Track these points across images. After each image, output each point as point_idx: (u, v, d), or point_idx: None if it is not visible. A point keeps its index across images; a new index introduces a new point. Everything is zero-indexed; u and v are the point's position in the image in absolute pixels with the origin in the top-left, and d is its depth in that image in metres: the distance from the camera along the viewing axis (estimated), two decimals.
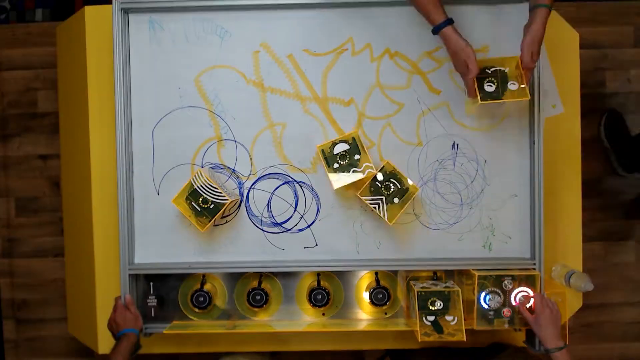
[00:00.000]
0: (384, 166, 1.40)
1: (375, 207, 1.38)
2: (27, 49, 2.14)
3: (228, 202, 1.38)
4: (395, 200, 1.39)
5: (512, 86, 1.30)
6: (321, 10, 1.45)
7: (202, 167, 1.47)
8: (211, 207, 1.39)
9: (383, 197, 1.39)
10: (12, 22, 2.31)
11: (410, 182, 1.40)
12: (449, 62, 1.44)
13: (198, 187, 1.38)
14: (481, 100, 1.29)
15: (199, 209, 1.39)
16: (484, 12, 1.44)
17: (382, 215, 1.38)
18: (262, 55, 1.46)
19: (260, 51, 1.46)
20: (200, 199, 1.38)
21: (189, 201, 1.39)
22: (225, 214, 1.47)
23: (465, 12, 1.43)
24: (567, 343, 1.34)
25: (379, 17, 1.45)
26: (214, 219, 1.39)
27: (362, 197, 1.38)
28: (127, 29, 1.46)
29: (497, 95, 1.29)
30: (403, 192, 1.39)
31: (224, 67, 1.47)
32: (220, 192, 1.37)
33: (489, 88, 1.30)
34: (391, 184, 1.39)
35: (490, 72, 1.31)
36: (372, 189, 1.40)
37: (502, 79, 1.31)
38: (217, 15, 1.45)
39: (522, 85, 1.29)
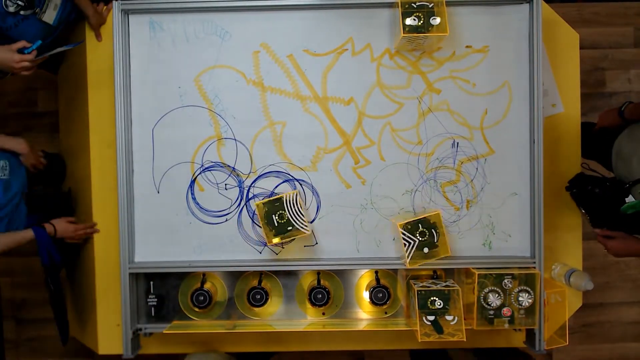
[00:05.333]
0: (432, 216, 1.39)
1: (404, 244, 1.38)
2: None
3: (302, 234, 1.38)
4: (425, 250, 1.39)
5: (434, 21, 1.33)
6: (321, 11, 1.45)
7: (202, 164, 1.47)
8: (287, 227, 1.38)
9: (416, 240, 1.39)
10: None
11: (446, 245, 1.39)
12: (449, 62, 1.45)
13: (287, 202, 1.38)
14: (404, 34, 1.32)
15: (275, 223, 1.39)
16: (484, 12, 1.44)
17: (407, 254, 1.38)
18: (262, 56, 1.47)
19: (260, 51, 1.46)
20: (279, 214, 1.38)
21: (267, 209, 1.39)
22: (226, 213, 1.48)
23: (465, 12, 1.44)
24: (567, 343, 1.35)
25: (379, 17, 1.45)
26: (280, 239, 1.39)
27: (400, 228, 1.38)
28: (127, 30, 1.46)
29: (422, 29, 1.32)
30: (434, 246, 1.39)
31: (224, 67, 1.47)
32: (304, 221, 1.38)
33: (413, 22, 1.32)
34: (427, 233, 1.39)
35: (416, 6, 1.33)
36: (409, 226, 1.39)
37: (427, 14, 1.33)
38: (217, 16, 1.46)
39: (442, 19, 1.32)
